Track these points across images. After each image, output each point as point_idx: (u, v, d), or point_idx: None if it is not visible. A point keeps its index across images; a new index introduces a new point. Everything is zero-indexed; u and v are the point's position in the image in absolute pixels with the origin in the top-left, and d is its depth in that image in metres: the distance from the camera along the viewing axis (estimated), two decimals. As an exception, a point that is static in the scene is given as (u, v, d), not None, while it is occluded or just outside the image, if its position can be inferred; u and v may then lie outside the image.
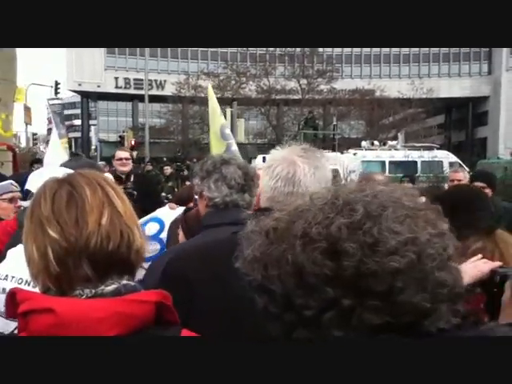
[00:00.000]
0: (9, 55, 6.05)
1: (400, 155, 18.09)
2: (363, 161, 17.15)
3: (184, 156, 31.06)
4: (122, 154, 4.90)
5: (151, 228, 2.92)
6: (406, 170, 16.05)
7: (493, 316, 1.37)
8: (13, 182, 2.98)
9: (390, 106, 33.45)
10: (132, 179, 4.66)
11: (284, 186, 1.39)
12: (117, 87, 46.08)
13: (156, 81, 45.96)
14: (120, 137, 30.63)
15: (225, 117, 15.98)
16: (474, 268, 1.53)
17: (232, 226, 1.56)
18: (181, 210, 3.03)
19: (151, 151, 23.60)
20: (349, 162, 16.02)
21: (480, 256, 1.61)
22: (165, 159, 21.24)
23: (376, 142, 19.83)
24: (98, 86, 45.27)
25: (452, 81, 47.38)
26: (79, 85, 44.47)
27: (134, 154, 28.30)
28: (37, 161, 8.21)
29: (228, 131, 5.33)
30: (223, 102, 17.77)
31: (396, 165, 17.68)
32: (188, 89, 36.05)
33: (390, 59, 48.86)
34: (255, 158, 17.07)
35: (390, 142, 20.20)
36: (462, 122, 48.08)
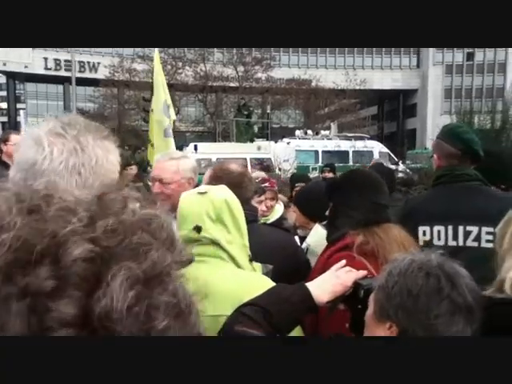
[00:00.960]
0: None
1: (332, 145, 18.57)
2: (297, 150, 17.41)
3: (120, 142, 30.05)
4: (17, 138, 4.05)
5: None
6: (339, 159, 16.48)
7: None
8: None
9: (326, 96, 34.11)
10: None
11: (24, 179, 0.97)
12: (46, 68, 43.67)
13: (89, 63, 44.03)
14: (47, 121, 29.06)
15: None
16: (336, 280, 1.33)
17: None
18: None
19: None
20: (282, 151, 16.20)
21: (343, 263, 1.41)
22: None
23: (310, 132, 20.22)
24: (26, 67, 42.67)
25: (384, 73, 49.16)
26: (4, 64, 41.66)
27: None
28: None
29: (171, 111, 5.18)
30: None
31: (329, 154, 18.12)
32: (122, 72, 34.79)
33: (326, 49, 49.77)
34: (187, 145, 16.82)
35: (322, 132, 20.66)
36: (394, 113, 50.21)
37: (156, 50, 5.72)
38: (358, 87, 36.19)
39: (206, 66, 34.55)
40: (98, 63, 42.85)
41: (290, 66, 46.34)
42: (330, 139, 19.29)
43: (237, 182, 2.01)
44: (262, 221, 2.89)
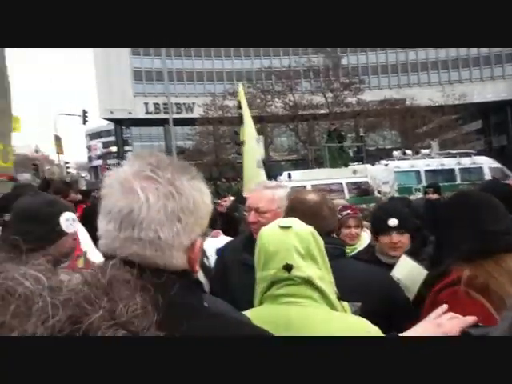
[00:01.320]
0: (2, 86, 6.08)
1: (435, 163, 17.35)
2: (396, 171, 16.52)
3: (218, 176, 31.14)
4: None
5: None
6: (444, 178, 15.36)
7: None
8: None
9: (423, 115, 32.58)
10: None
11: (118, 229, 0.91)
12: (147, 112, 47.02)
13: (185, 104, 46.66)
14: (149, 161, 30.91)
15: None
16: (437, 329, 1.13)
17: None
18: (224, 239, 2.81)
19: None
20: (380, 174, 15.46)
21: (444, 307, 1.19)
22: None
23: (408, 152, 19.15)
24: (130, 113, 46.33)
25: (485, 85, 46.03)
26: (111, 112, 45.63)
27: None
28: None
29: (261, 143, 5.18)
30: (249, 119, 17.63)
31: (432, 173, 16.97)
32: (215, 110, 36.29)
33: (418, 67, 48.00)
34: (281, 174, 16.69)
35: (422, 151, 19.45)
36: (502, 125, 46.41)
37: (240, 84, 5.77)
38: (457, 102, 34.16)
39: (294, 96, 34.86)
40: (193, 103, 45.22)
41: (380, 88, 45.25)
42: (432, 158, 18.07)
43: (313, 213, 1.86)
44: (347, 250, 2.72)
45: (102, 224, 0.94)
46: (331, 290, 1.41)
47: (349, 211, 3.56)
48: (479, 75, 47.30)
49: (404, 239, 2.57)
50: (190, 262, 0.95)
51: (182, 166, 0.98)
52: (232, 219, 7.36)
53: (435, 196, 7.08)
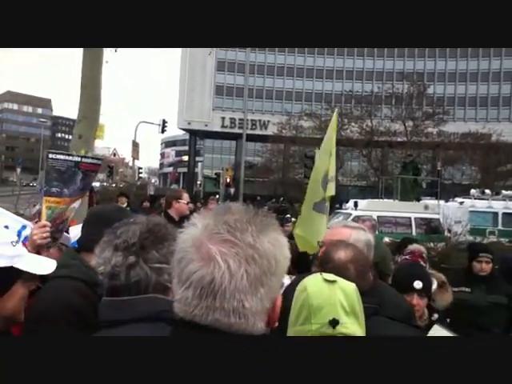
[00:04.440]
0: (93, 95, 6.31)
1: (517, 206, 15.97)
2: (471, 211, 15.36)
3: (283, 194, 30.98)
4: (187, 197, 4.50)
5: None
6: (523, 223, 14.06)
7: None
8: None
9: (508, 152, 30.41)
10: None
11: (198, 297, 0.85)
12: (223, 126, 48.16)
13: (260, 121, 47.27)
14: (216, 174, 31.44)
15: (313, 160, 15.37)
16: None
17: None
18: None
19: (249, 189, 23.73)
20: (454, 212, 14.42)
21: None
22: (258, 198, 21.12)
23: (487, 191, 17.78)
24: (206, 125, 47.72)
25: None
26: (189, 123, 47.24)
27: (232, 190, 28.86)
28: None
29: (331, 186, 4.36)
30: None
31: (511, 217, 15.63)
32: (289, 129, 36.30)
33: (511, 101, 45.15)
34: (347, 201, 16.11)
35: (504, 192, 18.00)
36: None
37: (336, 110, 5.26)
38: (549, 141, 31.61)
39: (372, 121, 34.00)
40: (268, 121, 45.66)
41: (465, 120, 43.10)
42: (514, 200, 16.64)
43: (338, 273, 1.69)
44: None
45: (179, 289, 0.89)
46: None
47: (407, 257, 3.49)
48: None
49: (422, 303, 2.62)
50: (270, 320, 0.92)
51: (262, 224, 0.90)
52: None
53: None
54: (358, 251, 1.98)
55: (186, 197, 4.47)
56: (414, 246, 4.45)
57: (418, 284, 2.57)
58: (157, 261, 1.33)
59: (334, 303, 1.34)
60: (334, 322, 1.31)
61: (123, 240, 1.33)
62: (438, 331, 2.13)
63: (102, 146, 41.17)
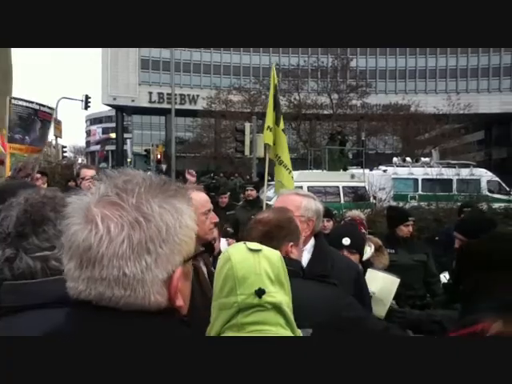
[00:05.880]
0: (3, 69, 5.88)
1: (434, 172, 17.20)
2: (394, 178, 16.34)
3: (215, 168, 30.96)
4: (88, 172, 4.52)
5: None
6: (441, 188, 15.18)
7: None
8: None
9: (426, 122, 32.33)
10: None
11: (79, 266, 0.78)
12: (150, 102, 46.78)
13: (189, 95, 46.41)
14: (145, 150, 30.75)
15: (243, 133, 15.56)
16: None
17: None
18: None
19: (181, 165, 23.46)
20: (378, 180, 15.27)
21: None
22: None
23: (408, 159, 18.96)
24: (133, 101, 46.08)
25: (492, 96, 45.75)
26: (114, 99, 45.39)
27: (163, 167, 28.39)
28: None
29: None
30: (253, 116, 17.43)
31: (430, 182, 16.81)
32: (219, 103, 36.07)
33: (426, 74, 47.74)
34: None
35: (423, 159, 19.28)
36: (504, 138, 46.15)
37: (273, 65, 5.71)
38: (461, 111, 33.91)
39: (299, 95, 34.60)
40: (197, 95, 44.96)
41: (386, 93, 44.99)
42: (432, 166, 17.89)
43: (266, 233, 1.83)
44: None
45: (66, 260, 0.81)
46: (292, 315, 1.34)
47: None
48: (486, 86, 47.01)
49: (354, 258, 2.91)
50: (170, 296, 0.83)
51: (155, 186, 0.83)
52: (234, 219, 7.16)
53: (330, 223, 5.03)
54: (284, 211, 2.03)
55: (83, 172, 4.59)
56: (354, 213, 4.82)
57: (346, 241, 2.88)
58: (38, 249, 1.19)
59: (259, 273, 1.30)
60: (260, 292, 1.27)
61: (1, 230, 1.20)
62: (373, 274, 2.40)
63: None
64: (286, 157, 5.12)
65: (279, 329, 1.27)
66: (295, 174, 16.46)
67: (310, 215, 2.36)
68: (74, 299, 0.80)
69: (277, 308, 1.28)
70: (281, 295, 1.31)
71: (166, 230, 0.80)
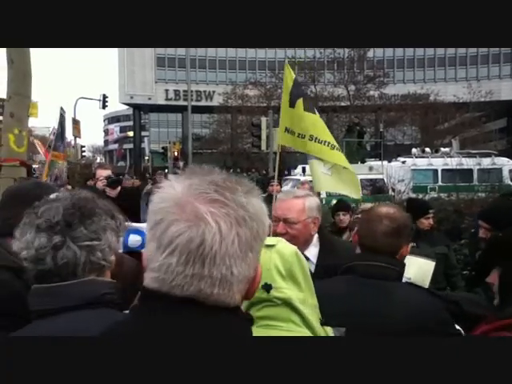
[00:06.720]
0: (22, 70, 5.87)
1: (454, 163, 16.81)
2: (413, 169, 16.03)
3: (232, 164, 30.97)
4: (103, 172, 4.60)
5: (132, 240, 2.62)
6: (461, 178, 14.84)
7: None
8: None
9: (446, 111, 31.69)
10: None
11: (184, 263, 0.75)
12: (167, 99, 47.00)
13: (205, 92, 46.49)
14: (163, 148, 30.88)
15: (259, 128, 15.36)
16: None
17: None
18: None
19: (198, 161, 23.49)
20: (397, 171, 15.01)
21: None
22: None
23: (427, 149, 18.57)
24: (149, 99, 46.38)
25: (515, 82, 44.59)
26: (131, 97, 45.74)
27: (181, 164, 28.50)
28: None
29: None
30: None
31: (450, 173, 16.45)
32: (235, 98, 36.04)
33: (446, 62, 46.77)
34: (295, 167, 16.37)
35: (442, 149, 18.86)
36: (527, 125, 44.99)
37: (286, 61, 5.08)
38: (482, 99, 33.12)
39: (316, 87, 34.30)
40: (213, 91, 44.99)
41: (404, 82, 44.27)
42: (451, 157, 17.49)
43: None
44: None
45: (160, 255, 0.77)
46: (314, 313, 1.32)
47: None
48: (509, 72, 45.81)
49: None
50: (252, 292, 0.86)
51: (248, 186, 0.83)
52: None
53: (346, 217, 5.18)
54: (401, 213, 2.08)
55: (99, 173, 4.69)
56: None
57: None
58: (86, 238, 1.21)
59: (269, 268, 1.30)
60: (267, 287, 1.28)
61: (45, 219, 1.21)
62: (411, 260, 2.34)
63: (41, 125, 39.29)
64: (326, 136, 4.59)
65: (291, 325, 1.25)
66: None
67: (314, 214, 2.39)
68: (153, 291, 0.78)
69: (288, 304, 1.27)
70: (292, 291, 1.30)
71: (262, 228, 0.82)
